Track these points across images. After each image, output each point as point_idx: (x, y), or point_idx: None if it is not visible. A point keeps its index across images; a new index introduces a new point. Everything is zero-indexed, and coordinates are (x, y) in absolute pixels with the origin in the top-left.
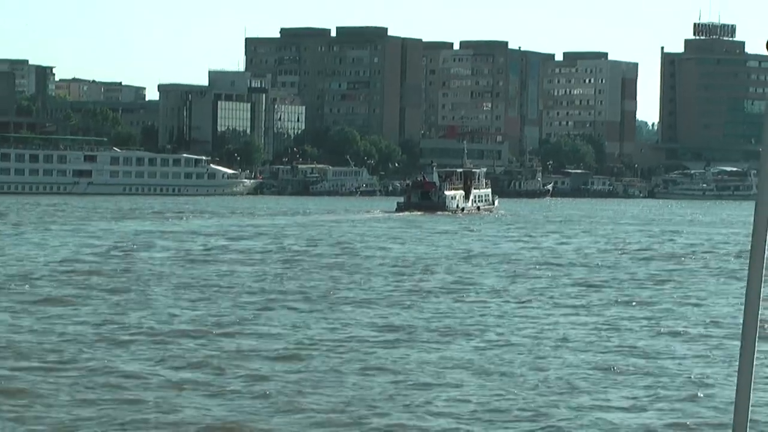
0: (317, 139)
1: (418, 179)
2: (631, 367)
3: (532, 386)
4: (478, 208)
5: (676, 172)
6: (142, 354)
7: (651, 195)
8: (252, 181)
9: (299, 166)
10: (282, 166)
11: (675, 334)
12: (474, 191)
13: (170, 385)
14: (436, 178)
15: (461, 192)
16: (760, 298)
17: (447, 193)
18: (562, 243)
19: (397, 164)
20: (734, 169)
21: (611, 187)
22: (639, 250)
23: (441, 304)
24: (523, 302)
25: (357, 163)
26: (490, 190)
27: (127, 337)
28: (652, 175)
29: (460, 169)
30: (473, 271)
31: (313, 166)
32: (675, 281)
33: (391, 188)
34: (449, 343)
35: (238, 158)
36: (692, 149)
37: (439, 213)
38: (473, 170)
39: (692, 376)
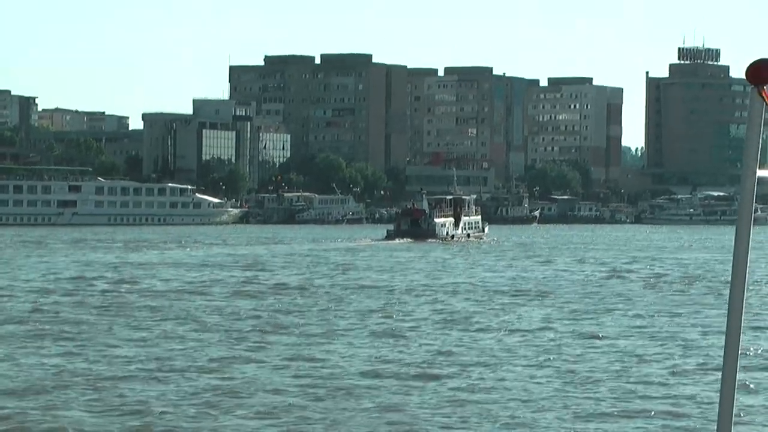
0: (302, 167)
1: (408, 207)
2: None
3: None
4: (468, 235)
5: (662, 197)
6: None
7: (638, 220)
8: (238, 209)
9: (285, 194)
10: (267, 195)
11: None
12: (464, 218)
13: None
14: (425, 205)
15: (451, 219)
16: (741, 321)
17: (437, 220)
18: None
19: (383, 192)
20: (721, 193)
21: (598, 213)
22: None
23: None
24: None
25: (343, 191)
26: (480, 217)
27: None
28: (639, 200)
29: (450, 196)
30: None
31: (299, 194)
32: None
33: (377, 216)
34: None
35: (224, 187)
36: (678, 174)
37: (429, 240)
38: (463, 197)
39: None
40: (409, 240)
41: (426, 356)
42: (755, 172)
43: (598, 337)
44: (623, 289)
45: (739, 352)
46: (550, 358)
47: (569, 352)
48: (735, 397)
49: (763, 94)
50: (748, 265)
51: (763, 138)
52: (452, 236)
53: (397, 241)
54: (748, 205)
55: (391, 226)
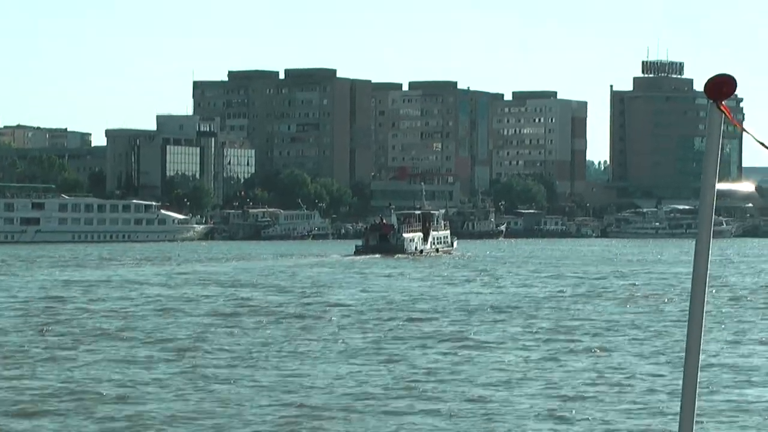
0: (267, 183)
1: (377, 222)
2: None
3: None
4: (437, 250)
5: (628, 210)
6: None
7: (604, 234)
8: (203, 226)
9: (250, 210)
10: (233, 211)
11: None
12: (433, 233)
13: None
14: (394, 220)
15: (420, 234)
16: (701, 338)
17: (405, 235)
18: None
19: (348, 207)
20: (686, 207)
21: (564, 227)
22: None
23: None
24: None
25: (308, 207)
26: (448, 231)
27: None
28: (604, 214)
29: (419, 211)
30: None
31: (265, 210)
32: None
33: (343, 231)
34: None
35: (188, 203)
36: (643, 187)
37: (398, 256)
38: (432, 212)
39: None
40: (378, 255)
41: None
42: (714, 186)
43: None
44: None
45: (700, 362)
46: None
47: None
48: (695, 410)
49: (723, 109)
50: (708, 276)
51: (726, 152)
52: (421, 251)
53: (366, 256)
54: (708, 217)
55: (357, 242)
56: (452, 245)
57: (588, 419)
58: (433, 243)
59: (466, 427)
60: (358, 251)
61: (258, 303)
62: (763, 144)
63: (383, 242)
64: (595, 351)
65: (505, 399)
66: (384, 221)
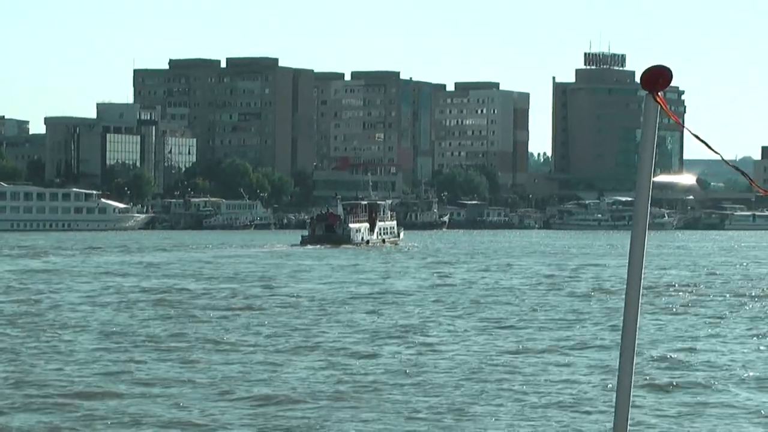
0: (208, 172)
1: (323, 212)
2: None
3: None
4: (384, 240)
5: (570, 202)
6: None
7: (546, 226)
8: (144, 215)
9: (192, 199)
10: (174, 200)
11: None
12: (379, 224)
13: None
14: (340, 210)
15: (366, 225)
16: (636, 331)
17: (351, 225)
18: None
19: (290, 197)
20: (629, 198)
21: (507, 218)
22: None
23: None
24: None
25: (250, 196)
26: (395, 222)
27: None
28: (546, 205)
29: (365, 202)
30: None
31: (206, 199)
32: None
33: (285, 221)
34: None
35: (128, 192)
36: (585, 179)
37: (344, 246)
38: (378, 202)
39: None
40: (324, 246)
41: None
42: (650, 176)
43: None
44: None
45: (635, 353)
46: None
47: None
48: (630, 403)
49: (659, 100)
50: (643, 268)
51: (668, 146)
52: (367, 242)
53: (311, 246)
54: (644, 208)
55: (300, 232)
56: (399, 236)
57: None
58: (380, 233)
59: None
60: (304, 241)
61: (196, 293)
62: (698, 137)
63: (329, 232)
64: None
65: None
66: (330, 211)
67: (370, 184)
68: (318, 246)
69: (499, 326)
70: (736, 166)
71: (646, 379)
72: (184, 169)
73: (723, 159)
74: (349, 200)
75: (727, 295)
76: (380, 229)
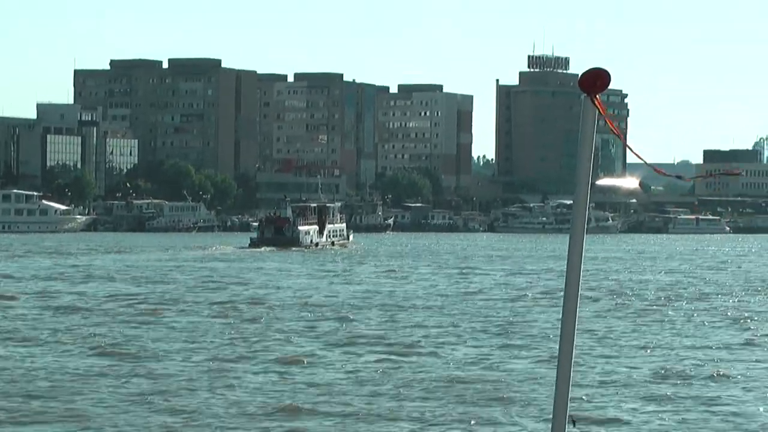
0: (150, 174)
1: (272, 214)
2: None
3: None
4: (333, 243)
5: (515, 205)
6: None
7: (491, 228)
8: (86, 217)
9: (134, 201)
10: (116, 202)
11: None
12: (329, 226)
13: None
14: (289, 213)
15: (316, 227)
16: (575, 326)
17: (301, 228)
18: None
19: (233, 199)
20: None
21: (451, 221)
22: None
23: None
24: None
25: (192, 198)
26: (344, 224)
27: None
28: (490, 208)
29: (314, 204)
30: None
31: (149, 201)
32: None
33: (229, 224)
34: None
35: (69, 193)
36: (529, 182)
37: (293, 249)
38: (327, 205)
39: None
40: (273, 248)
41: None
42: (588, 178)
43: None
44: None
45: (573, 355)
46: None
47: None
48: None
49: (597, 103)
50: (581, 272)
51: (612, 151)
52: (316, 244)
53: (261, 249)
54: (582, 210)
55: (245, 234)
56: (348, 238)
57: None
58: (329, 236)
59: None
60: (253, 243)
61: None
62: (618, 136)
63: (278, 235)
64: None
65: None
66: (279, 214)
67: (320, 186)
68: (267, 248)
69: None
70: (670, 173)
71: None
72: (125, 170)
73: (654, 169)
74: (296, 202)
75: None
76: (330, 231)
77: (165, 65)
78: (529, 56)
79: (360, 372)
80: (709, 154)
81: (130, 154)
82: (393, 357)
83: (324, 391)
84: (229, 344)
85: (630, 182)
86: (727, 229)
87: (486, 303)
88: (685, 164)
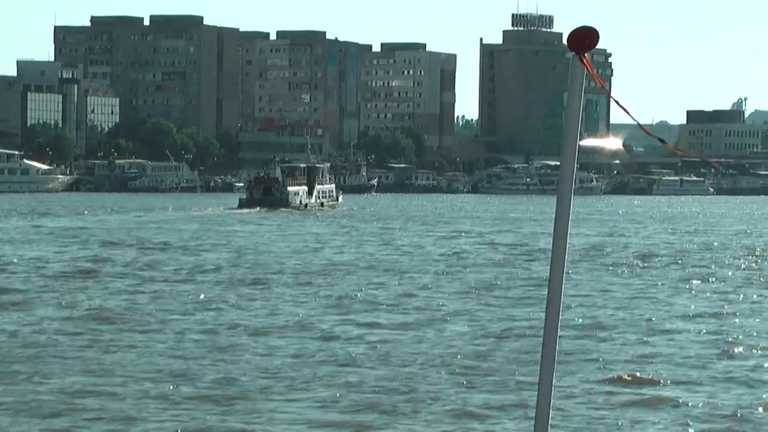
0: (132, 132)
1: (261, 175)
2: None
3: None
4: (322, 204)
5: (499, 166)
6: None
7: (475, 190)
8: (67, 176)
9: (116, 161)
10: (98, 161)
11: None
12: (318, 187)
13: None
14: (278, 173)
15: (304, 188)
16: (561, 291)
17: (290, 189)
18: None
19: (215, 158)
20: (557, 163)
21: (435, 182)
22: None
23: None
24: None
25: (175, 157)
26: (334, 185)
27: None
28: (474, 169)
29: (304, 165)
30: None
31: (131, 161)
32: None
33: (212, 184)
34: None
35: (50, 153)
36: (512, 142)
37: (282, 210)
38: (317, 165)
39: None
40: (263, 209)
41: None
42: (576, 138)
43: None
44: None
45: (559, 323)
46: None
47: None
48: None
49: (585, 61)
50: (569, 233)
51: (596, 111)
52: (305, 205)
53: (250, 210)
54: (570, 171)
55: (228, 195)
56: (337, 199)
57: None
58: (318, 197)
59: None
60: (241, 204)
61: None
62: (618, 102)
63: (267, 195)
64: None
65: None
66: (268, 174)
67: (309, 146)
68: (256, 209)
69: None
70: (653, 134)
71: None
72: (106, 129)
73: (641, 126)
74: (285, 163)
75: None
76: (319, 192)
77: (146, 22)
78: (513, 15)
79: None
80: (692, 115)
81: (111, 112)
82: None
83: None
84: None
85: (613, 143)
86: (711, 190)
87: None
88: (663, 125)
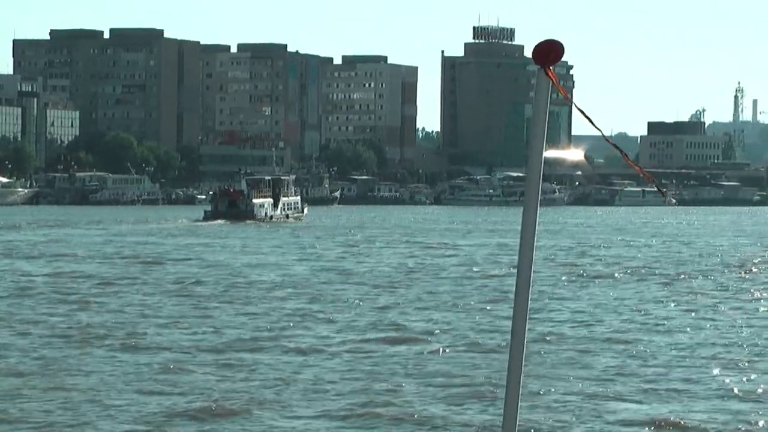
0: (91, 146)
1: (225, 187)
2: None
3: None
4: (287, 216)
5: (462, 178)
6: None
7: (437, 201)
8: (28, 189)
9: (77, 174)
10: (58, 174)
11: None
12: (283, 199)
13: None
14: (244, 186)
15: (270, 200)
16: (528, 297)
17: (255, 201)
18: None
19: (176, 171)
20: (520, 174)
21: (398, 194)
22: None
23: None
24: None
25: (136, 171)
26: (299, 197)
27: None
28: (436, 180)
29: (269, 177)
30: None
31: (92, 173)
32: None
33: (173, 196)
34: None
35: (9, 166)
36: (473, 154)
37: (247, 222)
38: (282, 177)
39: None
40: (227, 221)
41: None
42: (542, 151)
43: None
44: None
45: (526, 333)
46: None
47: None
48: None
49: (550, 74)
50: (535, 245)
51: (558, 122)
52: (271, 217)
53: (214, 222)
54: (536, 184)
55: (190, 207)
56: (303, 211)
57: None
58: (284, 209)
59: None
60: (206, 217)
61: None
62: (584, 113)
63: (232, 208)
64: None
65: None
66: (232, 187)
67: (274, 159)
68: (221, 221)
69: None
70: (617, 146)
71: None
72: (66, 142)
73: (605, 137)
74: (249, 175)
75: None
76: (284, 204)
77: (106, 35)
78: (474, 27)
79: None
80: (653, 126)
81: (71, 125)
82: None
83: None
84: None
85: (575, 154)
86: (674, 201)
87: None
88: (622, 136)
